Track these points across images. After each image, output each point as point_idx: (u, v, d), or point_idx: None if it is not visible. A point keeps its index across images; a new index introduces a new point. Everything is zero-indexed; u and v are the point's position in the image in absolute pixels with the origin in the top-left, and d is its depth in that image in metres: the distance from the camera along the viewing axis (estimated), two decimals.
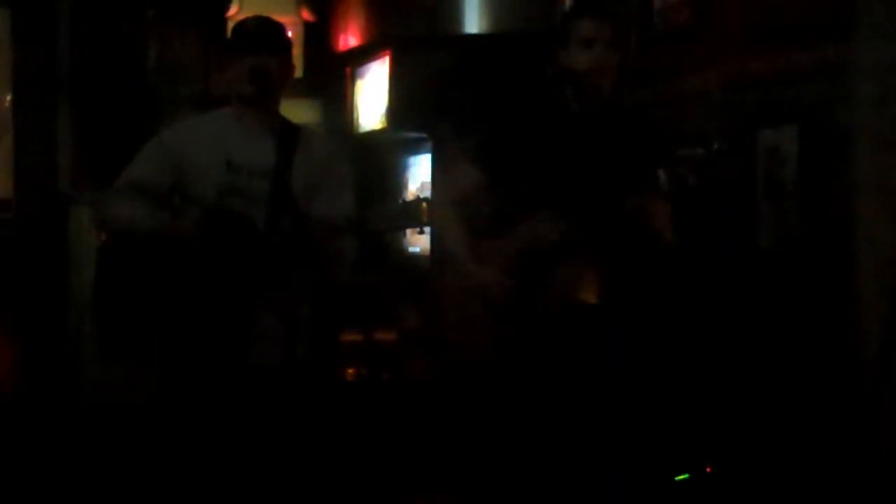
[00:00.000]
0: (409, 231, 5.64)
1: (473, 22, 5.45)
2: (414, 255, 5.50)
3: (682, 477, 3.79)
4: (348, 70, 6.10)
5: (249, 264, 3.39)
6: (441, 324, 3.58)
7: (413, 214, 3.12)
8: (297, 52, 6.76)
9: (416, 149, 5.63)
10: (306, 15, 6.27)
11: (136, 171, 3.55)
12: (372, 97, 5.77)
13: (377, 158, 5.83)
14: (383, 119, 5.62)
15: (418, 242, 5.47)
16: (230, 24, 5.73)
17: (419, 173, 5.61)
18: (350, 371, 5.06)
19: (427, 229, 3.47)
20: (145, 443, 4.41)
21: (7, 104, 5.86)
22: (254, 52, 3.45)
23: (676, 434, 3.94)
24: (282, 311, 3.45)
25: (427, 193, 5.12)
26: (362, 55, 5.97)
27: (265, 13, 3.58)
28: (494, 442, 3.48)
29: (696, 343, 4.02)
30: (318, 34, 6.53)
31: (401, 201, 3.04)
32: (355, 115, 6.02)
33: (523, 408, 3.48)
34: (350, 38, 6.51)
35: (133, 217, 3.50)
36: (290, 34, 3.62)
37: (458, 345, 3.50)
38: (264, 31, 3.51)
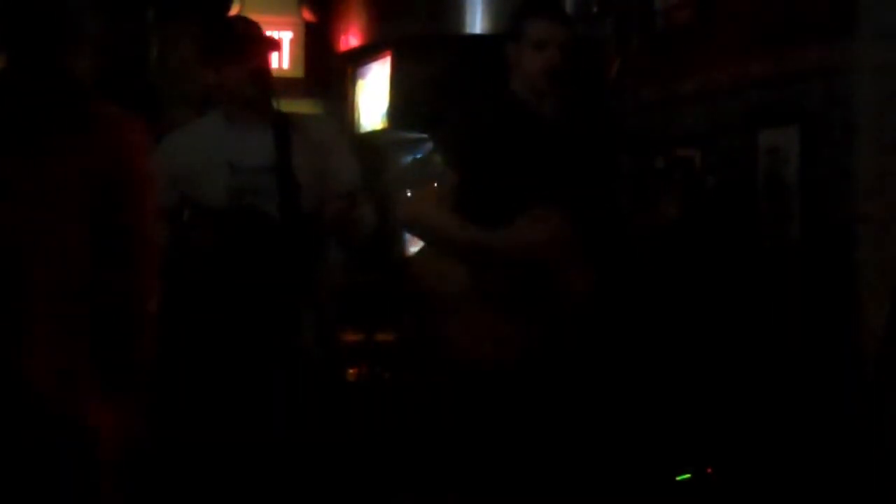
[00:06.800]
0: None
1: (473, 22, 5.45)
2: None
3: (683, 477, 3.79)
4: (349, 70, 6.11)
5: (273, 257, 3.41)
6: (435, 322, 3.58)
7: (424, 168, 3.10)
8: (297, 52, 6.77)
9: (416, 149, 5.63)
10: (307, 15, 6.27)
11: None
12: (373, 97, 5.77)
13: (377, 159, 5.83)
14: (384, 119, 5.62)
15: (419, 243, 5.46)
16: None
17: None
18: (350, 371, 5.06)
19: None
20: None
21: None
22: (253, 53, 3.45)
23: (677, 434, 3.94)
24: (300, 303, 3.48)
25: None
26: (363, 55, 5.98)
27: (265, 13, 3.59)
28: (494, 441, 3.48)
29: (697, 342, 4.02)
30: (319, 34, 6.52)
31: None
32: (356, 116, 6.02)
33: (524, 407, 3.48)
34: (351, 39, 6.51)
35: None
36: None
37: (457, 344, 3.50)
38: (256, 33, 3.50)
